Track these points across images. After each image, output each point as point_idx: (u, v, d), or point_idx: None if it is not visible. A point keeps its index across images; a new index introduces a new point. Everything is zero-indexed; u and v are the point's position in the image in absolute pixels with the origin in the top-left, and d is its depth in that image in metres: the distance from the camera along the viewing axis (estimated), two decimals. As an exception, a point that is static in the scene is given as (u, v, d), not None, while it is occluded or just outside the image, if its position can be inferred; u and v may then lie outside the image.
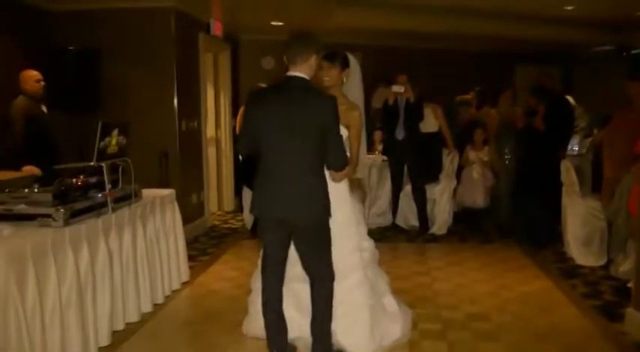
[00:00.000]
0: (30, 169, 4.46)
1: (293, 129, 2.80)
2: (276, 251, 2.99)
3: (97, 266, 3.31)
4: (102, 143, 3.35)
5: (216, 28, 6.93)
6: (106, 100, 5.67)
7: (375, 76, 7.15)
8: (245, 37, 8.27)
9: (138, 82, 5.83)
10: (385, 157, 6.59)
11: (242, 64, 8.36)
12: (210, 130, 7.41)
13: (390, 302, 3.49)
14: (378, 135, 6.96)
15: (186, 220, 5.17)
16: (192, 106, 6.40)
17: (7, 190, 3.23)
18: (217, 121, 7.69)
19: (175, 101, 5.92)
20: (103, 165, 3.43)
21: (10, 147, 4.69)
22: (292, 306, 3.21)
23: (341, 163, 2.89)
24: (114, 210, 3.52)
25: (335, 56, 3.24)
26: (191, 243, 5.72)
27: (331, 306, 3.01)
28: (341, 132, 2.98)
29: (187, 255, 4.69)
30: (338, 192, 3.11)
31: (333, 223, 2.98)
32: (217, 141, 7.71)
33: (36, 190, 3.22)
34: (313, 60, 2.86)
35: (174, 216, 4.42)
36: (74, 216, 3.15)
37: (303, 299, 3.18)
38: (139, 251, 3.82)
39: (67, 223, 3.06)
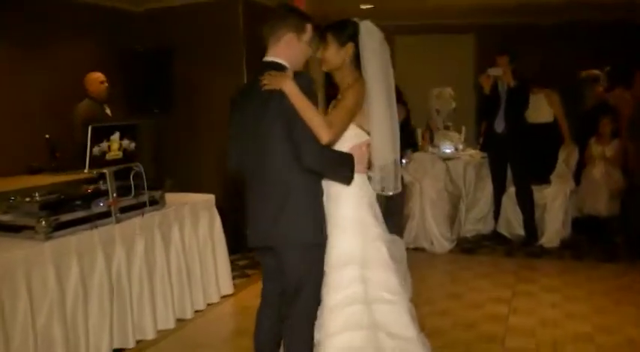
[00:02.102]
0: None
1: (258, 137, 2.25)
2: (266, 286, 2.52)
3: (92, 281, 3.07)
4: (97, 148, 3.08)
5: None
6: (177, 100, 5.57)
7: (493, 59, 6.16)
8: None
9: (208, 80, 5.61)
10: (485, 154, 5.62)
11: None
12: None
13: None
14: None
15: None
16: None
17: (11, 198, 3.12)
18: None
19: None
20: (106, 172, 3.18)
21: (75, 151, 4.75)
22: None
23: (318, 160, 2.21)
24: (120, 220, 3.25)
25: (326, 29, 2.43)
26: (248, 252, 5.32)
27: None
28: (350, 130, 2.35)
29: (231, 266, 4.30)
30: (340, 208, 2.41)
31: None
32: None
33: (37, 198, 3.07)
34: (292, 39, 2.26)
35: (212, 224, 4.07)
36: (61, 228, 2.92)
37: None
38: (158, 262, 3.52)
39: (48, 237, 2.84)
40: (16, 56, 4.90)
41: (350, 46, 2.39)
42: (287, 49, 2.27)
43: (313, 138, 2.16)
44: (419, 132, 6.37)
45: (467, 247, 5.35)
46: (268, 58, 2.31)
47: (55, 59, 5.14)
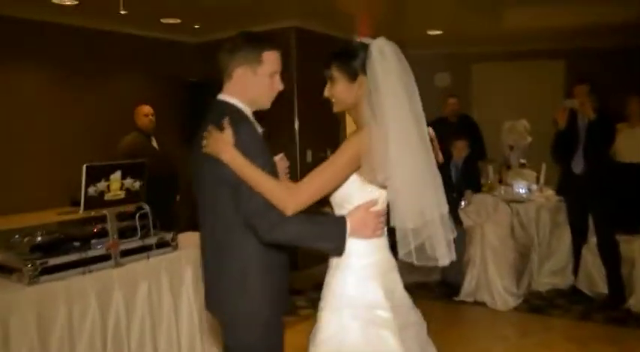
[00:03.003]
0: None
1: (200, 187, 1.95)
2: None
3: (82, 331, 2.88)
4: (93, 188, 2.92)
5: (364, 45, 6.15)
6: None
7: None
8: (413, 52, 7.24)
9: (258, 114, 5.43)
10: (561, 198, 4.90)
11: (412, 82, 7.35)
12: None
13: None
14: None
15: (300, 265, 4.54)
16: (321, 134, 5.73)
17: (16, 236, 3.05)
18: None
19: (297, 128, 5.34)
20: (107, 213, 3.02)
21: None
22: None
23: (277, 236, 1.79)
24: (121, 264, 3.07)
25: (330, 60, 1.92)
26: (296, 294, 4.98)
27: None
28: (351, 180, 1.88)
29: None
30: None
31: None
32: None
33: (36, 238, 2.98)
34: (244, 74, 1.90)
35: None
36: (49, 271, 2.77)
37: None
38: (165, 311, 3.29)
39: (32, 281, 2.70)
40: (70, 87, 5.03)
41: (364, 80, 1.85)
42: (240, 87, 1.92)
43: (265, 211, 1.76)
44: (491, 169, 5.76)
45: (536, 305, 4.63)
46: (220, 97, 1.97)
47: (106, 91, 5.22)
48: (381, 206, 1.91)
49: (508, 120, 5.69)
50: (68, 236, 3.05)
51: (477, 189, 4.88)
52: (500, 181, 5.73)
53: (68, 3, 4.23)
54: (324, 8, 4.97)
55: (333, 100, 1.97)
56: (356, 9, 5.21)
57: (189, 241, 3.56)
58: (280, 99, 5.62)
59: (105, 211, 3.01)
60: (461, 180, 4.83)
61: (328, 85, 1.96)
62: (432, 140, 5.85)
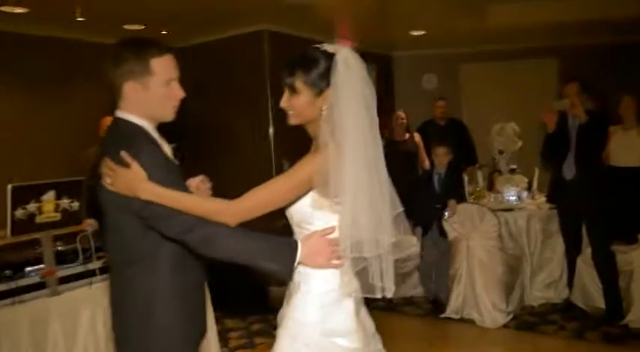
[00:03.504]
0: (88, 223, 4.11)
1: (103, 216, 1.74)
2: None
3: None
4: (22, 211, 2.66)
5: (345, 48, 5.88)
6: (199, 141, 5.18)
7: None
8: (399, 54, 6.99)
9: (232, 119, 5.17)
10: (552, 205, 4.59)
11: (398, 85, 7.08)
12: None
13: None
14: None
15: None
16: (300, 141, 5.45)
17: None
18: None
19: (271, 135, 5.06)
20: (40, 237, 2.76)
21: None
22: None
23: (200, 234, 1.60)
24: (58, 292, 2.80)
25: (292, 68, 1.71)
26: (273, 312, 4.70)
27: None
28: (305, 200, 1.71)
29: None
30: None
31: None
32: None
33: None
34: (134, 90, 1.68)
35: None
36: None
37: None
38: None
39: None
40: (27, 99, 4.77)
41: (329, 92, 1.67)
42: (134, 104, 1.69)
43: (197, 225, 1.59)
44: (480, 175, 5.46)
45: (527, 322, 4.31)
46: (117, 114, 1.73)
47: (67, 102, 4.96)
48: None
49: (498, 123, 5.38)
50: (3, 263, 2.79)
51: (462, 198, 4.56)
52: (491, 188, 5.44)
53: (19, 11, 3.99)
54: (298, 10, 4.70)
55: (291, 112, 1.75)
56: (331, 10, 4.93)
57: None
58: (252, 106, 5.34)
59: (37, 235, 2.75)
60: (444, 188, 4.52)
61: (287, 95, 1.74)
62: (417, 145, 5.59)
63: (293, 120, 1.76)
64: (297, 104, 1.72)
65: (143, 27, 4.82)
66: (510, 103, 6.53)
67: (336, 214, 1.70)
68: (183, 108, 4.99)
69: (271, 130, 5.09)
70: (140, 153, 1.60)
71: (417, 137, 5.63)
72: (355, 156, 1.65)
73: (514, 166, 5.20)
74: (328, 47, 1.70)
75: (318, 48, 1.72)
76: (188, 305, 1.75)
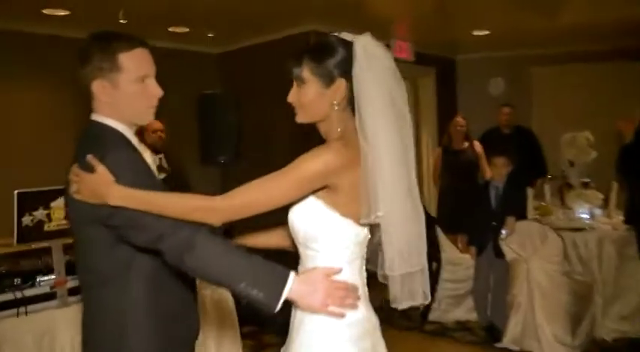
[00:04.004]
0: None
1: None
2: None
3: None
4: (29, 218, 2.55)
5: (402, 50, 5.53)
6: (245, 148, 5.02)
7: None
8: (463, 57, 6.52)
9: (275, 126, 4.97)
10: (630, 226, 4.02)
11: (461, 90, 6.61)
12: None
13: None
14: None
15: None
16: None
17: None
18: (418, 164, 6.18)
19: (319, 141, 4.80)
20: (50, 246, 2.65)
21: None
22: None
23: (176, 240, 1.39)
24: (69, 303, 2.67)
25: (300, 58, 1.49)
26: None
27: None
28: (310, 200, 1.47)
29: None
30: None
31: None
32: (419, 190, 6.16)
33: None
34: (103, 87, 1.52)
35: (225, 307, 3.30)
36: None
37: None
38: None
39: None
40: (65, 101, 4.79)
41: (341, 84, 1.46)
42: (105, 105, 1.53)
43: (174, 230, 1.39)
44: (547, 189, 4.93)
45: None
46: (93, 116, 1.58)
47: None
48: (357, 251, 1.51)
49: (570, 132, 4.83)
50: (12, 272, 2.70)
51: (522, 214, 4.09)
52: (561, 203, 4.90)
53: (62, 13, 3.99)
54: (347, 9, 4.44)
55: (299, 108, 1.54)
56: (385, 8, 4.63)
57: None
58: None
59: (46, 243, 2.64)
60: (502, 204, 4.06)
61: (294, 88, 1.52)
62: (478, 155, 5.15)
63: (301, 117, 1.54)
64: (305, 97, 1.49)
65: (188, 30, 4.73)
66: (586, 110, 5.89)
67: (354, 229, 1.46)
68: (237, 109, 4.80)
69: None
70: (107, 155, 1.43)
71: (478, 146, 5.19)
72: (387, 157, 1.43)
73: (587, 180, 4.64)
74: (346, 35, 1.49)
75: (333, 35, 1.51)
76: (168, 329, 1.56)
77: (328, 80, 1.46)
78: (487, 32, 5.44)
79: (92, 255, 1.53)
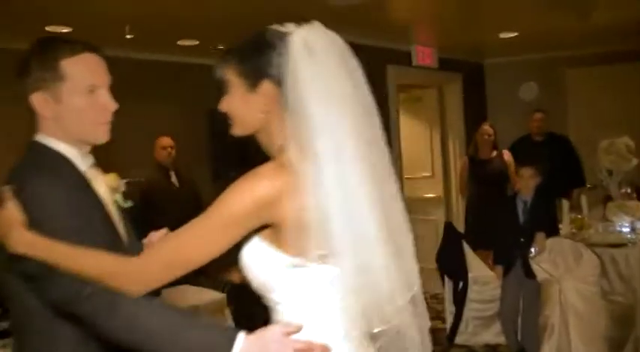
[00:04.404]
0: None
1: None
2: None
3: None
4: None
5: (424, 56, 5.28)
6: (260, 162, 4.84)
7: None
8: (491, 61, 6.20)
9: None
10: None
11: (490, 96, 6.28)
12: (434, 187, 5.73)
13: None
14: None
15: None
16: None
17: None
18: (446, 175, 5.89)
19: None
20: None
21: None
22: None
23: (97, 302, 1.14)
24: None
25: (225, 58, 1.26)
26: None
27: None
28: (255, 242, 1.19)
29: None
30: None
31: None
32: (447, 203, 5.87)
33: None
34: (44, 101, 1.30)
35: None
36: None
37: None
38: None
39: None
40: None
41: (269, 86, 1.20)
42: (49, 122, 1.32)
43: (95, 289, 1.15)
44: (584, 200, 4.55)
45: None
46: (35, 137, 1.36)
47: (119, 122, 4.86)
48: (334, 296, 1.18)
49: (607, 138, 4.46)
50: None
51: (553, 230, 3.74)
52: (604, 216, 4.51)
53: (65, 30, 3.94)
54: (362, 15, 4.22)
55: (231, 118, 1.28)
56: (402, 12, 4.40)
57: (178, 296, 2.96)
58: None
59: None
60: (530, 219, 3.73)
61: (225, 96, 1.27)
62: (507, 165, 4.83)
63: (235, 129, 1.27)
64: (230, 104, 1.25)
65: (197, 42, 4.61)
66: (626, 114, 5.48)
67: (311, 270, 1.15)
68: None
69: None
70: (26, 187, 1.21)
71: (507, 155, 4.87)
72: (340, 186, 1.12)
73: (628, 190, 4.26)
74: (282, 27, 1.21)
75: (269, 27, 1.23)
76: None
77: (253, 82, 1.21)
78: (515, 34, 5.12)
79: (13, 301, 1.33)
